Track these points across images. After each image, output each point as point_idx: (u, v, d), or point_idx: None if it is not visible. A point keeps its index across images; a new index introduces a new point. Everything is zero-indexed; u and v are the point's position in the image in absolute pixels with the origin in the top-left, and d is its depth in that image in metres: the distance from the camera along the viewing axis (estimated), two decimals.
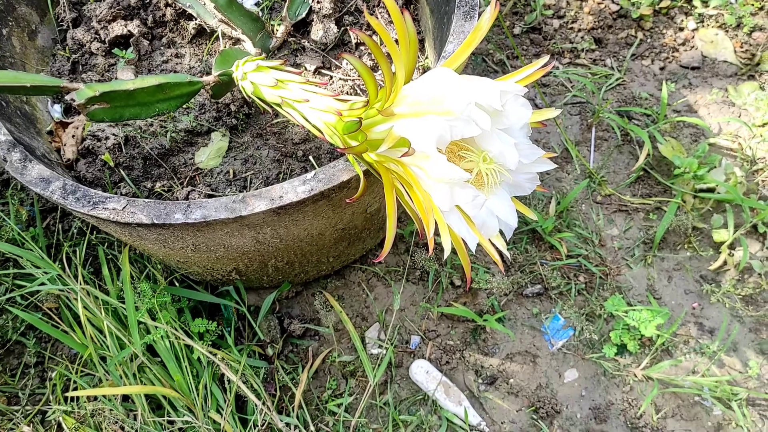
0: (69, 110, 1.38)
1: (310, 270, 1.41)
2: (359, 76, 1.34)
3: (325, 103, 1.02)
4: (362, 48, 1.40)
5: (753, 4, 1.80)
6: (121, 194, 1.24)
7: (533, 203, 1.56)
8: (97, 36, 1.40)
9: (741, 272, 1.48)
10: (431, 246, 0.84)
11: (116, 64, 1.39)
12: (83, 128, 1.31)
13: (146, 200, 1.05)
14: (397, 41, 0.88)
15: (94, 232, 1.50)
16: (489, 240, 0.93)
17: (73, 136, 1.31)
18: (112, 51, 1.38)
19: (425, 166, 0.84)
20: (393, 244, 1.53)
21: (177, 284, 1.42)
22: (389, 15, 1.41)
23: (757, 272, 1.47)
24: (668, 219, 1.50)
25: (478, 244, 0.91)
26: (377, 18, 1.42)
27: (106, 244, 1.50)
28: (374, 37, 1.40)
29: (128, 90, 1.09)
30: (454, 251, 0.89)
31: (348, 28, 1.39)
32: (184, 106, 1.33)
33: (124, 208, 1.05)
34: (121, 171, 1.26)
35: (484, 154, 0.89)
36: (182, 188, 1.26)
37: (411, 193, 0.91)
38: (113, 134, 1.29)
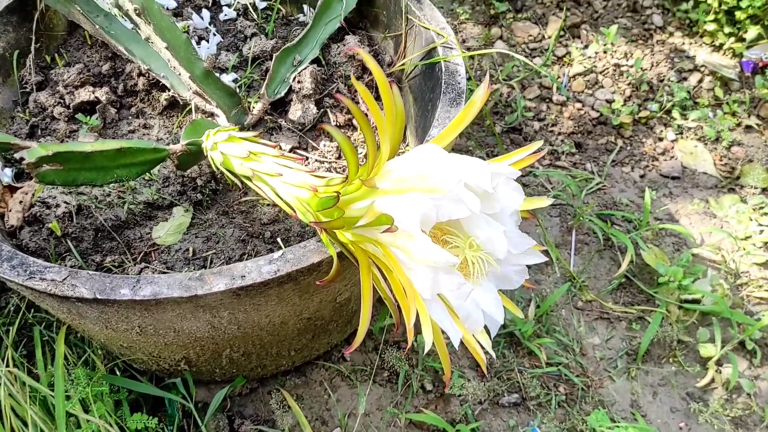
0: (21, 176, 1.28)
1: (268, 364, 1.28)
2: (338, 157, 1.28)
3: (300, 178, 0.94)
4: (342, 131, 1.34)
5: (731, 120, 1.82)
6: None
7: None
8: (62, 101, 1.33)
9: (729, 391, 1.39)
10: (410, 337, 0.74)
11: (78, 130, 1.30)
12: (33, 194, 1.21)
13: (90, 272, 0.94)
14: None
15: (32, 310, 1.37)
16: (473, 336, 0.84)
17: (21, 201, 1.20)
18: (76, 116, 1.30)
19: (408, 247, 0.75)
20: (361, 342, 1.41)
21: (118, 373, 1.28)
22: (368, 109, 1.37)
23: (746, 392, 1.39)
24: (653, 330, 1.42)
25: (461, 341, 0.81)
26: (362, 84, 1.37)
27: (44, 324, 1.36)
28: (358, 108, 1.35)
29: (85, 152, 1.00)
30: (431, 349, 0.79)
31: (328, 108, 1.34)
32: (147, 177, 1.24)
33: (64, 279, 0.94)
34: (69, 242, 1.15)
35: (470, 240, 0.81)
36: (135, 265, 1.15)
37: (390, 278, 0.82)
38: (65, 202, 1.19)
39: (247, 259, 1.14)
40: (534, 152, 0.84)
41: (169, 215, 1.21)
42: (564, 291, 1.47)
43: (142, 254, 1.16)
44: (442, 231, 0.84)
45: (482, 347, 0.84)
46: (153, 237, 1.19)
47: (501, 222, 0.83)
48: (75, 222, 1.18)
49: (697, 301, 1.47)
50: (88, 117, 1.29)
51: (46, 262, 0.95)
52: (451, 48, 1.23)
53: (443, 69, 1.20)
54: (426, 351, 0.75)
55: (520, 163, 0.84)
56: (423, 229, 0.75)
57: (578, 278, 1.53)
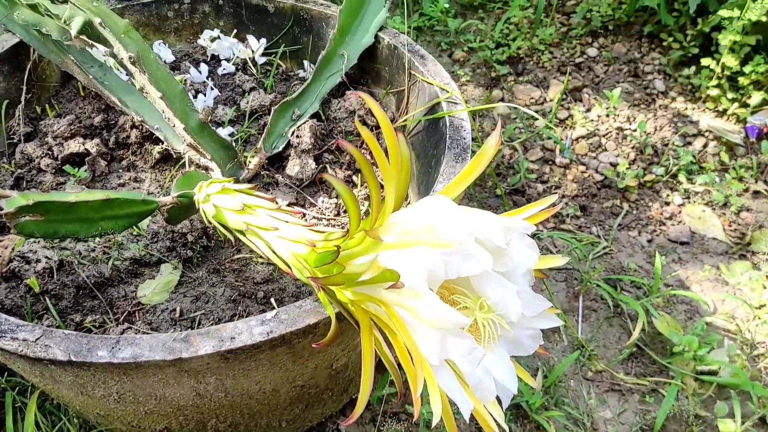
0: (2, 229, 1.21)
1: None
2: (336, 214, 1.22)
3: (297, 233, 0.88)
4: None
5: (738, 185, 1.78)
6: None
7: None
8: (50, 152, 1.28)
9: None
10: (418, 408, 0.67)
11: (66, 183, 1.25)
12: (12, 248, 1.14)
13: (66, 332, 0.86)
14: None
15: (5, 374, 1.28)
16: (484, 407, 0.76)
17: None
18: (64, 168, 1.24)
19: (415, 306, 0.69)
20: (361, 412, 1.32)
21: None
22: (371, 156, 1.32)
23: None
24: (668, 404, 1.33)
25: (472, 413, 0.73)
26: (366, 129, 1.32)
27: (18, 389, 1.27)
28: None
29: (69, 202, 0.94)
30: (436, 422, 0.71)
31: (327, 164, 1.29)
32: (135, 232, 1.18)
33: (37, 339, 0.86)
34: (47, 300, 1.07)
35: (481, 300, 0.74)
36: (117, 325, 1.07)
37: (394, 342, 0.74)
38: (46, 257, 1.12)
39: (237, 320, 1.07)
40: (548, 207, 0.79)
41: (157, 272, 1.14)
42: (573, 360, 1.39)
43: (125, 314, 1.09)
44: (450, 290, 0.78)
45: (495, 420, 0.76)
46: (138, 296, 1.11)
47: (513, 281, 0.76)
48: (56, 278, 1.11)
49: (713, 373, 1.39)
50: (77, 169, 1.24)
51: (18, 320, 0.88)
52: (456, 103, 1.20)
53: (448, 124, 1.16)
54: (435, 423, 0.67)
55: (534, 217, 0.78)
56: (430, 287, 0.69)
57: (587, 346, 1.45)
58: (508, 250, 0.74)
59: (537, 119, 1.43)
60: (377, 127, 1.35)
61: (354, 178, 1.30)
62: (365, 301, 0.76)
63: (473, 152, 1.12)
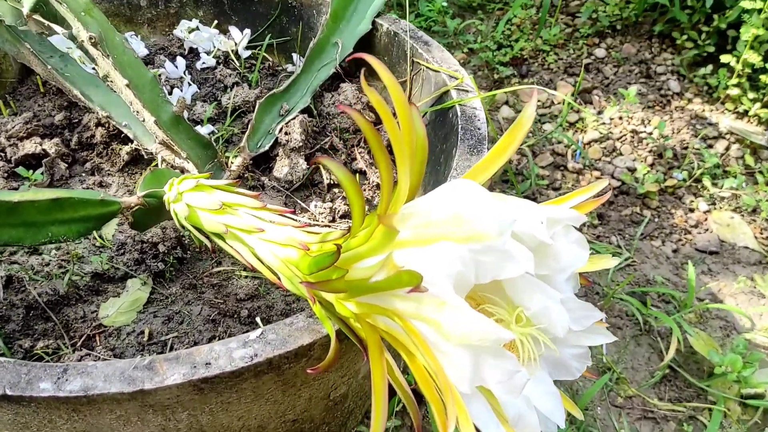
0: None
1: None
2: (332, 219, 1.06)
3: (286, 234, 0.72)
4: (336, 190, 1.13)
5: (766, 190, 1.63)
6: None
7: None
8: (2, 153, 1.12)
9: None
10: None
11: (19, 188, 1.08)
12: None
13: (2, 359, 0.69)
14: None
15: None
16: None
17: None
18: (17, 171, 1.08)
19: (438, 318, 0.53)
20: None
21: None
22: (371, 156, 1.17)
23: None
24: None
25: None
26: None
27: None
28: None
29: (11, 202, 0.78)
30: None
31: (318, 154, 1.14)
32: (98, 243, 1.02)
33: None
34: None
35: (518, 311, 0.59)
36: (74, 351, 0.90)
37: (411, 364, 0.58)
38: None
39: (215, 342, 0.90)
40: (602, 191, 0.63)
41: (122, 289, 0.98)
42: (601, 385, 1.23)
43: (83, 338, 0.92)
44: (477, 299, 0.63)
45: None
46: (100, 316, 0.95)
47: (556, 287, 0.61)
48: (3, 297, 0.94)
49: (760, 396, 1.23)
50: (32, 172, 1.08)
51: None
52: (467, 91, 1.05)
53: (459, 114, 1.01)
54: None
55: (584, 206, 0.63)
56: (458, 294, 0.53)
57: (615, 369, 1.29)
58: (553, 247, 0.59)
59: (545, 122, 1.29)
60: (378, 122, 1.20)
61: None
62: (373, 313, 0.60)
63: (491, 144, 0.98)
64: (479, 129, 0.99)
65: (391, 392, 1.11)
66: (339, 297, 0.62)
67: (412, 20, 2.09)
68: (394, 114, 0.61)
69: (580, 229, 1.47)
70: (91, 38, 0.94)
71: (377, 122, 1.19)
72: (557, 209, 0.59)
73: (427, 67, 1.13)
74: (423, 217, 0.57)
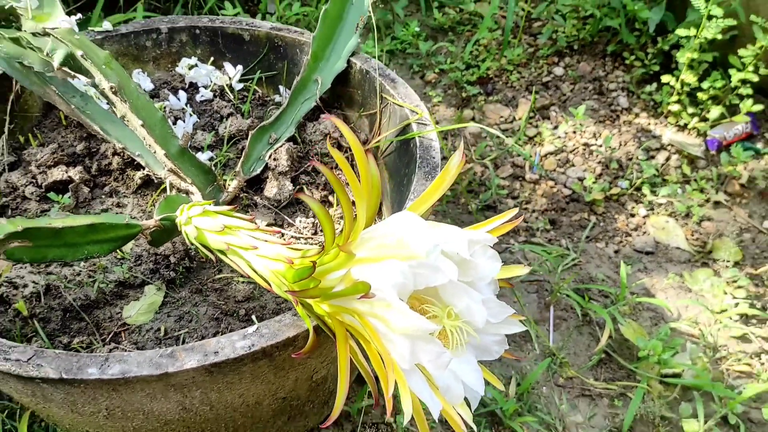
0: None
1: None
2: (314, 233, 1.27)
3: (275, 251, 0.93)
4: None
5: (699, 196, 1.86)
6: None
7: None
8: (34, 180, 1.32)
9: None
10: (389, 407, 0.71)
11: (50, 209, 1.29)
12: (0, 274, 1.17)
13: (56, 351, 0.90)
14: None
15: None
16: (453, 409, 0.81)
17: None
18: (48, 196, 1.28)
19: (386, 316, 0.74)
20: (339, 423, 1.36)
21: None
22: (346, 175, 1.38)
23: None
24: (635, 406, 1.39)
25: (442, 414, 0.78)
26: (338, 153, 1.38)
27: (7, 412, 1.29)
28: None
29: (56, 228, 0.98)
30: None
31: (303, 186, 1.35)
32: (119, 255, 1.22)
33: (29, 359, 0.90)
34: (36, 323, 1.11)
35: (449, 309, 0.80)
36: (104, 345, 1.11)
37: (368, 349, 0.79)
38: (33, 282, 1.16)
39: (220, 336, 1.11)
40: (510, 219, 0.85)
41: (141, 294, 1.18)
42: (544, 367, 1.45)
43: (111, 334, 1.13)
44: (420, 300, 0.83)
45: (463, 420, 0.81)
46: (123, 316, 1.15)
47: (479, 290, 0.82)
48: (43, 302, 1.14)
49: (677, 376, 1.45)
50: (61, 196, 1.28)
51: (10, 342, 0.92)
52: (425, 124, 1.26)
53: (418, 144, 1.22)
54: (406, 422, 0.72)
55: (497, 230, 0.84)
56: (401, 298, 0.74)
57: (558, 354, 1.51)
58: (473, 261, 0.80)
59: (504, 138, 1.49)
60: (351, 148, 1.40)
61: (330, 198, 1.35)
62: (341, 312, 0.81)
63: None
64: (434, 158, 1.20)
65: (362, 380, 1.34)
66: (315, 300, 0.83)
67: (389, 43, 2.30)
68: (353, 165, 0.82)
69: (534, 235, 1.69)
70: (111, 87, 1.14)
71: (350, 148, 1.40)
72: (477, 233, 0.81)
73: (393, 102, 1.34)
74: (375, 241, 0.79)
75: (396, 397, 0.73)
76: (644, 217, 1.84)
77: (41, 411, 1.09)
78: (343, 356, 0.79)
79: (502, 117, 2.10)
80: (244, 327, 1.12)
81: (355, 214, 0.81)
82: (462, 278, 0.79)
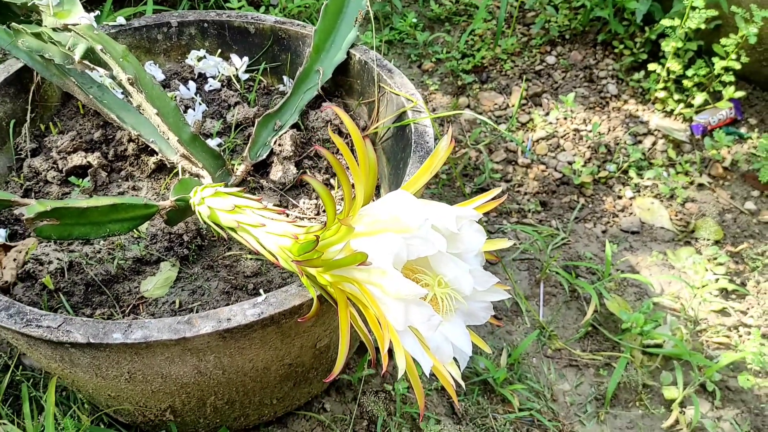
0: (14, 236, 1.34)
1: (251, 413, 1.32)
2: (317, 213, 1.36)
3: (282, 228, 1.02)
4: None
5: (684, 179, 1.94)
6: None
7: (485, 354, 1.54)
8: (55, 165, 1.41)
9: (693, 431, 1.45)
10: (385, 362, 0.81)
11: (70, 193, 1.38)
12: (26, 252, 1.27)
13: (84, 319, 1.00)
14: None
15: (20, 368, 1.40)
16: (444, 367, 0.90)
17: (15, 259, 1.26)
18: (68, 180, 1.38)
19: (382, 282, 0.83)
20: (341, 391, 1.46)
21: (103, 426, 1.31)
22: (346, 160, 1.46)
23: None
24: (618, 375, 1.49)
25: (432, 373, 0.88)
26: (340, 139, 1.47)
27: (31, 381, 1.39)
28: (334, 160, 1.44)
29: (81, 208, 1.07)
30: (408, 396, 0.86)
31: (307, 169, 1.44)
32: (135, 234, 1.31)
33: (59, 326, 0.99)
34: (61, 296, 1.21)
35: (439, 278, 0.89)
36: (123, 317, 1.20)
37: (366, 314, 0.89)
38: (57, 258, 1.25)
39: (232, 305, 1.21)
40: (495, 197, 0.94)
41: (157, 270, 1.28)
42: (534, 338, 1.54)
43: (130, 307, 1.22)
44: (413, 270, 0.92)
45: (453, 378, 0.90)
46: (141, 290, 1.25)
47: (466, 261, 0.91)
48: (66, 277, 1.24)
49: (659, 346, 1.55)
50: (80, 180, 1.37)
51: (41, 311, 1.01)
52: (420, 111, 1.35)
53: (413, 130, 1.31)
54: (400, 375, 0.82)
55: (482, 207, 0.93)
56: (395, 267, 0.83)
57: (547, 328, 1.60)
58: (460, 235, 0.89)
59: (497, 126, 1.58)
60: (351, 135, 1.49)
61: (332, 181, 1.44)
62: (341, 281, 0.90)
63: None
64: (428, 143, 1.29)
65: (363, 348, 1.44)
66: (319, 271, 0.92)
67: (388, 33, 2.38)
68: (353, 150, 0.91)
69: (525, 216, 1.77)
70: (129, 79, 1.23)
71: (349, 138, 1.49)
72: (463, 209, 0.90)
73: (390, 91, 1.42)
74: (372, 216, 0.88)
75: (391, 350, 0.82)
76: (630, 198, 1.93)
77: (67, 376, 1.19)
78: (344, 320, 0.89)
79: (496, 104, 2.18)
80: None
81: (354, 194, 0.90)
82: (451, 250, 0.89)
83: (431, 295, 0.88)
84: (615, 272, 1.73)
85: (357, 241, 0.87)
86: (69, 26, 1.27)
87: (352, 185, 0.92)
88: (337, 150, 1.49)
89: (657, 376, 1.54)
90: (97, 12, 1.34)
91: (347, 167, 1.40)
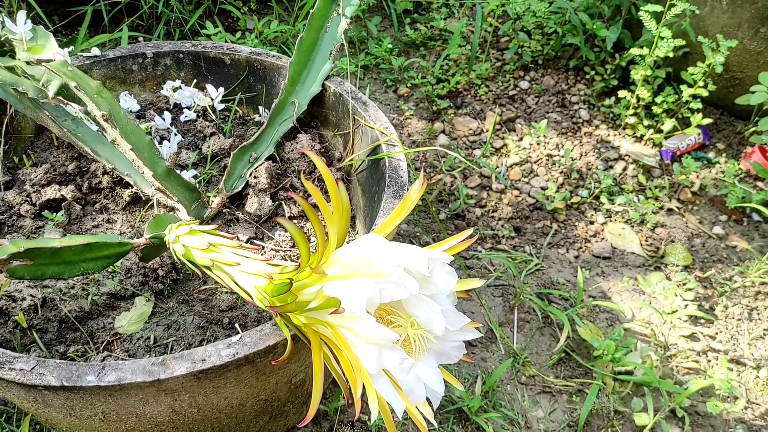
0: None
1: None
2: (292, 246, 1.37)
3: (256, 267, 1.03)
4: (296, 221, 1.44)
5: (654, 204, 1.99)
6: None
7: (460, 381, 1.55)
8: (29, 199, 1.40)
9: None
10: (358, 407, 0.82)
11: (44, 226, 1.38)
12: None
13: (57, 361, 0.99)
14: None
15: None
16: (416, 408, 0.92)
17: None
18: (42, 213, 1.37)
19: (354, 327, 0.85)
20: (317, 421, 1.47)
21: None
22: (324, 192, 1.48)
23: None
24: (590, 401, 1.51)
25: (405, 412, 0.89)
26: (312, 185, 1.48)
27: (4, 416, 1.38)
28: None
29: (54, 248, 1.07)
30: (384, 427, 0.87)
31: (282, 201, 1.45)
32: (110, 269, 1.31)
33: (32, 369, 0.99)
34: (34, 333, 1.20)
35: (411, 319, 0.91)
36: (98, 353, 1.20)
37: (339, 356, 0.90)
38: (31, 295, 1.25)
39: (206, 345, 1.21)
40: (465, 239, 0.95)
41: (131, 305, 1.28)
42: (507, 366, 1.56)
43: (104, 343, 1.22)
44: (386, 312, 0.94)
45: (425, 418, 0.92)
46: (115, 326, 1.25)
47: (439, 302, 0.93)
48: (40, 314, 1.23)
49: (630, 373, 1.58)
50: (54, 213, 1.37)
51: (14, 352, 1.01)
52: (394, 145, 1.37)
53: (387, 164, 1.32)
54: (373, 420, 0.83)
55: (453, 248, 0.95)
56: (368, 311, 0.85)
57: (521, 354, 1.62)
58: (432, 277, 0.90)
59: (464, 160, 1.60)
60: (330, 163, 1.51)
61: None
62: (315, 323, 0.91)
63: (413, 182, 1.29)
64: (402, 177, 1.31)
65: (338, 382, 1.44)
66: (293, 313, 0.94)
67: (363, 58, 2.40)
68: (326, 191, 0.92)
69: (499, 242, 1.80)
70: (103, 115, 1.23)
71: (326, 155, 1.50)
72: (435, 252, 0.91)
73: (365, 124, 1.44)
74: (345, 260, 0.89)
75: (365, 400, 0.83)
76: (602, 224, 1.96)
77: (40, 415, 1.18)
78: (318, 362, 0.90)
79: (470, 129, 2.21)
80: (228, 334, 1.23)
81: (327, 237, 0.91)
82: (423, 292, 0.90)
83: (404, 336, 0.90)
84: (587, 298, 1.76)
85: (331, 285, 0.88)
86: (42, 62, 1.27)
87: (326, 231, 0.94)
88: (314, 180, 1.50)
89: (628, 403, 1.56)
90: (71, 48, 1.34)
91: (316, 205, 1.41)
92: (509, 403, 1.55)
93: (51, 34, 1.30)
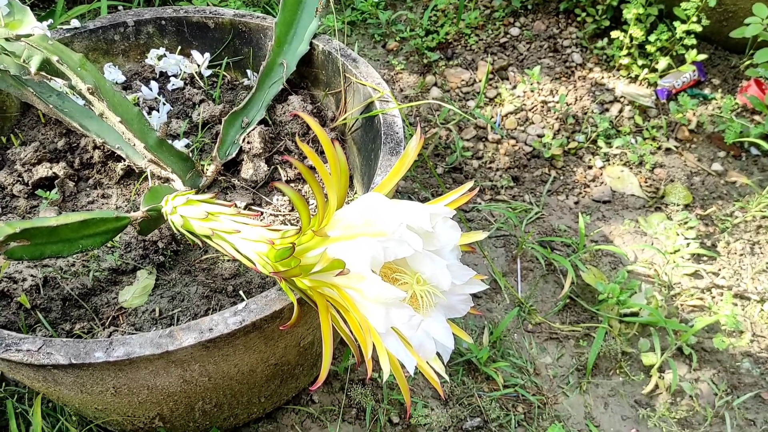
0: None
1: (240, 413, 1.33)
2: (291, 209, 1.36)
3: (257, 233, 1.02)
4: (293, 185, 1.42)
5: (651, 145, 1.97)
6: None
7: (467, 333, 1.56)
8: (21, 178, 1.38)
9: (673, 395, 1.49)
10: (369, 368, 0.82)
11: (39, 205, 1.36)
12: None
13: (64, 339, 0.99)
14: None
15: (2, 384, 1.39)
16: (427, 363, 0.92)
17: None
18: (35, 192, 1.35)
19: (361, 287, 0.84)
20: (328, 382, 1.48)
21: None
22: (320, 153, 1.46)
23: (688, 394, 1.49)
24: (597, 345, 1.52)
25: (417, 368, 0.89)
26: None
27: (16, 397, 1.39)
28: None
29: (51, 226, 1.06)
30: (395, 383, 0.87)
31: (278, 165, 1.43)
32: (109, 245, 1.30)
33: (39, 348, 0.98)
34: (38, 313, 1.20)
35: (417, 276, 0.90)
36: (104, 329, 1.20)
37: (347, 317, 0.89)
38: (31, 275, 1.24)
39: (212, 314, 1.21)
40: (466, 192, 0.94)
41: (134, 279, 1.27)
42: (513, 316, 1.57)
43: (110, 319, 1.22)
44: (392, 270, 0.93)
45: (436, 372, 0.92)
46: (120, 301, 1.24)
47: (443, 257, 0.92)
48: (42, 294, 1.23)
49: (635, 314, 1.58)
50: (48, 192, 1.35)
51: (19, 334, 1.00)
52: (387, 101, 1.34)
53: (381, 121, 1.30)
54: (385, 379, 0.83)
55: (455, 202, 0.93)
56: (373, 270, 0.84)
57: (526, 303, 1.63)
58: (435, 233, 0.89)
59: (459, 111, 1.57)
60: (323, 123, 1.48)
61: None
62: (321, 286, 0.91)
63: (409, 137, 1.27)
64: (397, 133, 1.29)
65: (345, 343, 1.44)
66: (298, 277, 0.93)
67: (350, 14, 2.35)
68: (321, 153, 0.91)
69: (498, 193, 1.79)
70: (89, 89, 1.21)
71: (322, 123, 1.48)
72: (436, 207, 0.90)
73: (356, 81, 1.41)
74: (347, 221, 0.88)
75: (376, 359, 0.83)
76: (601, 168, 1.95)
77: (51, 393, 1.18)
78: (326, 325, 0.89)
79: (463, 80, 2.18)
80: (233, 302, 1.23)
81: (327, 199, 0.90)
82: (427, 248, 0.89)
83: (411, 293, 0.89)
84: (589, 244, 1.76)
85: (334, 246, 0.87)
86: (21, 37, 1.24)
87: (325, 192, 0.92)
88: (310, 140, 1.48)
89: (635, 344, 1.57)
90: (50, 21, 1.30)
91: (313, 168, 1.40)
92: (517, 352, 1.56)
93: (28, 8, 1.26)
